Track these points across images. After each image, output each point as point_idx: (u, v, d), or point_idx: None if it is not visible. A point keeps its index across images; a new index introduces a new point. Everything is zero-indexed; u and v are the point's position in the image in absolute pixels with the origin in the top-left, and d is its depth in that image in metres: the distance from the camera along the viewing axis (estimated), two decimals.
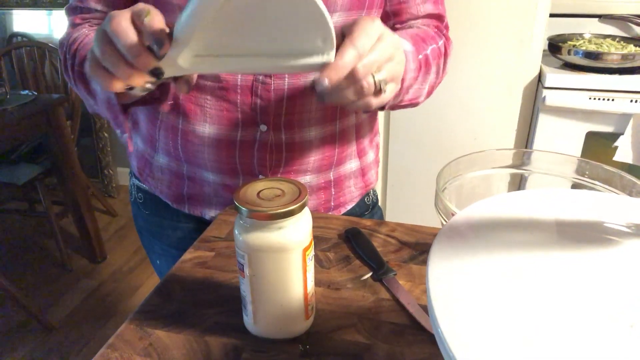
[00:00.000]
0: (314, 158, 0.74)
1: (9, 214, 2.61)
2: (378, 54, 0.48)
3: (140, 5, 0.46)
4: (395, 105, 0.66)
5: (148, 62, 0.45)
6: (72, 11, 0.69)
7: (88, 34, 0.65)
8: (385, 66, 0.50)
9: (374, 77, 0.49)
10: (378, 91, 0.51)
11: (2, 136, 1.85)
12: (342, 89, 0.49)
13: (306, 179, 0.76)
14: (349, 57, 0.46)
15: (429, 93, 0.71)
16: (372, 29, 0.48)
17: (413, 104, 0.70)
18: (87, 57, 0.50)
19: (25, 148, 2.26)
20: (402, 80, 0.60)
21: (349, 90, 0.49)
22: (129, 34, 0.45)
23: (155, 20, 0.45)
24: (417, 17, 0.73)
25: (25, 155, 2.25)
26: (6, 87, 2.08)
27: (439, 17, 0.75)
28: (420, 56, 0.65)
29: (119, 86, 0.49)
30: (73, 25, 0.68)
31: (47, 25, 2.81)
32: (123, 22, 0.45)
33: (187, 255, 0.65)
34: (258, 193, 0.48)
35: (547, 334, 0.26)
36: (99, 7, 0.67)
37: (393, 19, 0.73)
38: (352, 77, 0.48)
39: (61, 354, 1.80)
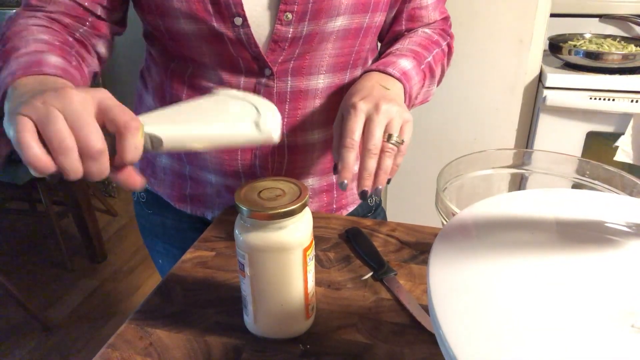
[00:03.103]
0: (316, 161, 0.74)
1: (9, 214, 2.61)
2: (376, 134, 0.55)
3: (135, 123, 0.42)
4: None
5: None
6: None
7: (33, 41, 0.54)
8: (392, 127, 0.56)
9: (390, 141, 0.56)
10: (400, 144, 0.57)
11: None
12: (378, 170, 0.56)
13: (309, 182, 0.76)
14: (349, 156, 0.55)
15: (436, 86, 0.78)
16: (356, 123, 0.56)
17: (424, 103, 0.76)
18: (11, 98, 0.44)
19: None
20: (411, 95, 0.66)
21: (381, 168, 0.56)
22: (100, 143, 0.41)
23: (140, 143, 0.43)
24: (428, 24, 0.75)
25: None
26: None
27: (445, 19, 0.78)
28: (423, 66, 0.69)
29: (48, 170, 0.42)
30: (25, 5, 0.59)
31: None
32: (93, 132, 0.41)
33: (188, 255, 0.65)
34: (259, 193, 0.48)
35: (547, 334, 0.26)
36: None
37: (406, 25, 0.74)
38: (368, 164, 0.55)
39: (61, 354, 1.80)
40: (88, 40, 0.62)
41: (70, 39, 0.59)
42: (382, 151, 0.56)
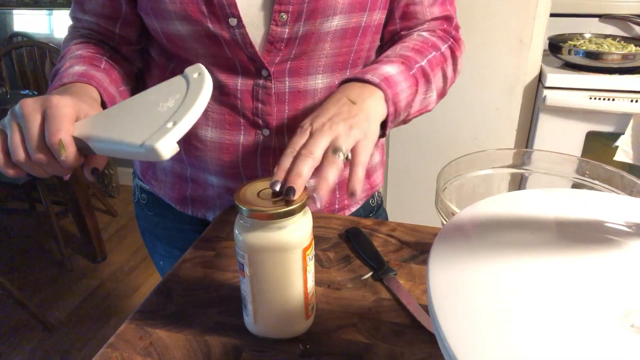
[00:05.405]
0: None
1: (9, 213, 2.61)
2: (309, 142, 0.52)
3: (54, 138, 0.49)
4: (406, 120, 0.68)
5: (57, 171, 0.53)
6: (70, 18, 0.72)
7: (70, 58, 0.66)
8: (338, 143, 0.53)
9: (334, 152, 0.53)
10: (345, 157, 0.53)
11: None
12: (318, 177, 0.53)
13: (310, 183, 0.75)
14: (283, 160, 0.52)
15: (440, 96, 0.72)
16: (299, 139, 0.54)
17: (425, 112, 0.71)
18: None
19: None
20: (397, 102, 0.62)
21: (321, 176, 0.53)
22: (37, 156, 0.50)
23: (70, 154, 0.50)
24: (424, 22, 0.71)
25: None
26: (6, 87, 2.08)
27: (447, 19, 0.73)
28: (413, 70, 0.64)
29: (11, 171, 0.52)
30: (69, 30, 0.72)
31: (47, 25, 2.81)
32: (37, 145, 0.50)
33: (187, 255, 0.65)
34: (258, 193, 0.48)
35: (547, 333, 0.26)
36: (86, 17, 0.69)
37: (400, 23, 0.70)
38: (283, 161, 0.52)
39: (61, 354, 1.80)
40: (119, 49, 0.71)
41: (105, 48, 0.69)
42: (325, 160, 0.53)
